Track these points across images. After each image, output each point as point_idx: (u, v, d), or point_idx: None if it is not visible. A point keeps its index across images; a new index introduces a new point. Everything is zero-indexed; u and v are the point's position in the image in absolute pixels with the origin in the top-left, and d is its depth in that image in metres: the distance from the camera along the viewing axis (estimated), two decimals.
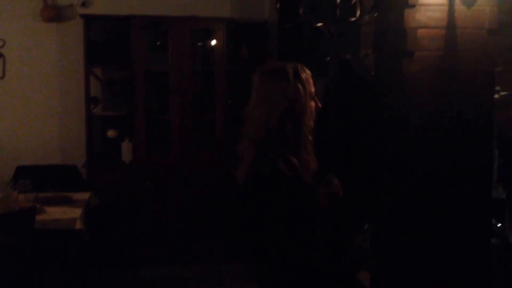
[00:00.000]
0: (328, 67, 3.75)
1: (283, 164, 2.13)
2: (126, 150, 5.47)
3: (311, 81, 2.27)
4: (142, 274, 5.17)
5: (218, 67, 5.54)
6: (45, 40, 5.67)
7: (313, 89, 2.27)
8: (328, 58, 3.67)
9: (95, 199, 4.77)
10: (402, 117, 2.95)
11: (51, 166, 5.55)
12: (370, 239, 3.47)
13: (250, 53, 5.63)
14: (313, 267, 2.22)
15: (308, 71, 2.27)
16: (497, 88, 3.41)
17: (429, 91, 2.90)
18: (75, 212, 4.15)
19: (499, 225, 3.72)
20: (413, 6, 2.85)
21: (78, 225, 4.02)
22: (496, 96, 3.38)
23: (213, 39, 5.59)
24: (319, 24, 3.71)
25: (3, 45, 5.49)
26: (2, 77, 5.58)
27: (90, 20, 5.45)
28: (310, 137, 2.25)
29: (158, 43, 5.62)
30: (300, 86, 2.21)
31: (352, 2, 3.43)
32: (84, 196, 4.63)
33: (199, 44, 5.76)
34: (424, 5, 2.86)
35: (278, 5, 4.72)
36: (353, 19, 3.43)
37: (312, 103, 2.27)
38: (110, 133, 5.59)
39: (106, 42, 5.53)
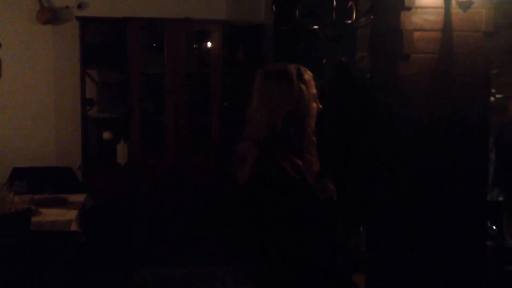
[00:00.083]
0: (324, 70, 3.75)
1: (289, 166, 2.13)
2: (122, 152, 5.47)
3: (313, 82, 2.27)
4: (138, 275, 5.15)
5: (214, 69, 5.53)
6: (41, 42, 5.66)
7: (314, 91, 2.27)
8: (324, 61, 3.66)
9: (91, 201, 4.76)
10: (398, 120, 2.95)
11: (47, 168, 5.55)
12: (365, 241, 3.47)
13: (246, 55, 5.62)
14: (313, 268, 2.22)
15: (309, 73, 2.27)
16: (493, 90, 3.43)
17: (425, 94, 2.91)
18: (71, 214, 4.15)
19: (494, 227, 3.74)
20: (409, 8, 2.86)
21: (74, 227, 4.02)
22: (492, 98, 3.39)
23: (209, 41, 5.59)
24: (315, 27, 3.70)
25: None
26: None
27: (86, 22, 5.45)
28: (314, 138, 2.26)
29: (153, 45, 5.62)
30: (303, 88, 2.20)
31: (348, 5, 3.43)
32: (79, 198, 4.62)
33: (195, 46, 5.76)
34: (420, 7, 2.87)
35: (274, 7, 4.72)
36: (349, 21, 3.43)
37: (314, 105, 2.27)
38: (106, 135, 5.58)
39: (102, 44, 5.53)
